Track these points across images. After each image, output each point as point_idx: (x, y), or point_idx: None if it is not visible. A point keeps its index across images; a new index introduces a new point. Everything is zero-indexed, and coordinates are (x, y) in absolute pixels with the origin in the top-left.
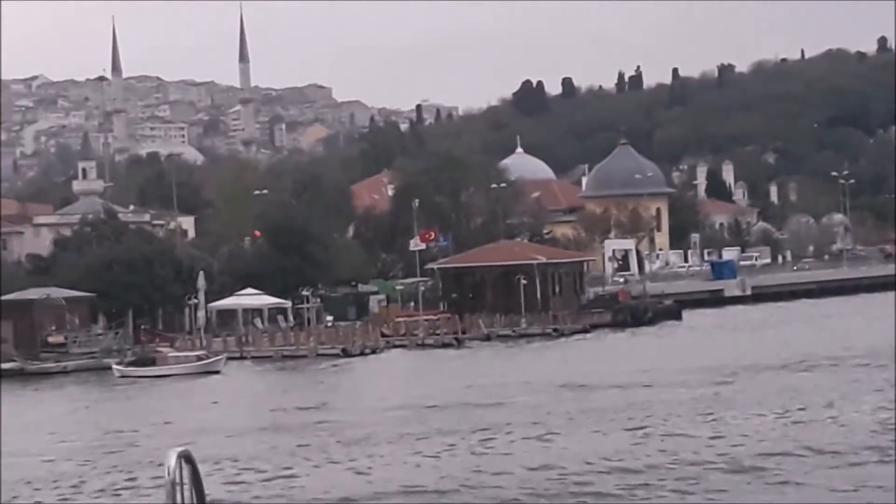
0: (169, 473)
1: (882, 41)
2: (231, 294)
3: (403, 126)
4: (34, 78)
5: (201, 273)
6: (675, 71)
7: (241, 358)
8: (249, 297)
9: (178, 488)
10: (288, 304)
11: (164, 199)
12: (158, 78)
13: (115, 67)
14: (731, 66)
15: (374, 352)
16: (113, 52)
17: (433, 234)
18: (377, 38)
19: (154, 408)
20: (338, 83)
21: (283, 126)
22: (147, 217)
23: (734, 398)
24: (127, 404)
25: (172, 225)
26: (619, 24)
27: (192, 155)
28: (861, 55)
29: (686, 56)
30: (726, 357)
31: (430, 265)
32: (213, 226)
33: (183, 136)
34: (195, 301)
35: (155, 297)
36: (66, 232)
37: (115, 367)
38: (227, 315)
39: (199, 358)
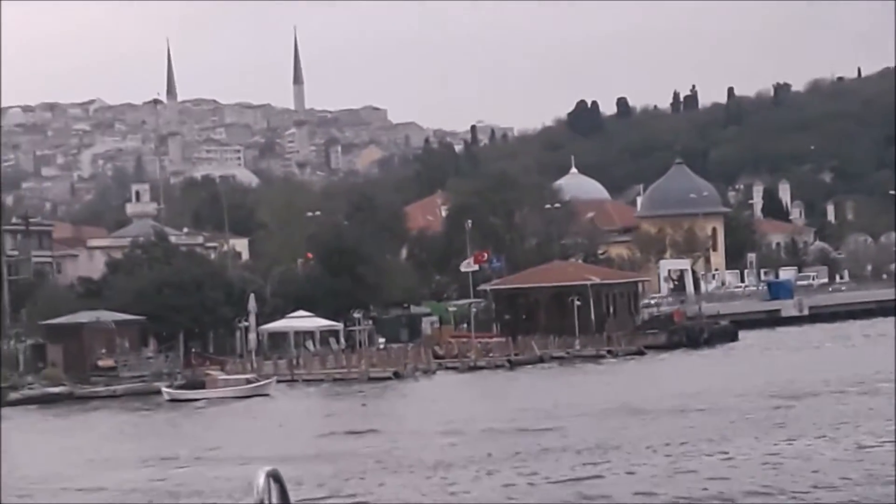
0: (258, 493)
1: None
2: (282, 316)
3: (458, 147)
4: (91, 102)
5: (252, 295)
6: (730, 90)
7: (292, 381)
8: (301, 320)
9: None
10: (340, 326)
11: (217, 221)
12: (215, 101)
13: (170, 90)
14: (787, 85)
15: (425, 374)
16: (168, 75)
17: (486, 255)
18: (432, 59)
19: (198, 432)
20: (393, 105)
21: (339, 148)
22: (200, 240)
23: (794, 422)
24: (171, 428)
25: (226, 248)
26: (674, 43)
27: (247, 177)
28: None
29: (741, 75)
30: (783, 379)
31: (482, 286)
32: (266, 248)
33: (239, 158)
34: (246, 324)
35: (205, 319)
36: (118, 255)
37: (164, 389)
38: (279, 338)
39: (249, 381)
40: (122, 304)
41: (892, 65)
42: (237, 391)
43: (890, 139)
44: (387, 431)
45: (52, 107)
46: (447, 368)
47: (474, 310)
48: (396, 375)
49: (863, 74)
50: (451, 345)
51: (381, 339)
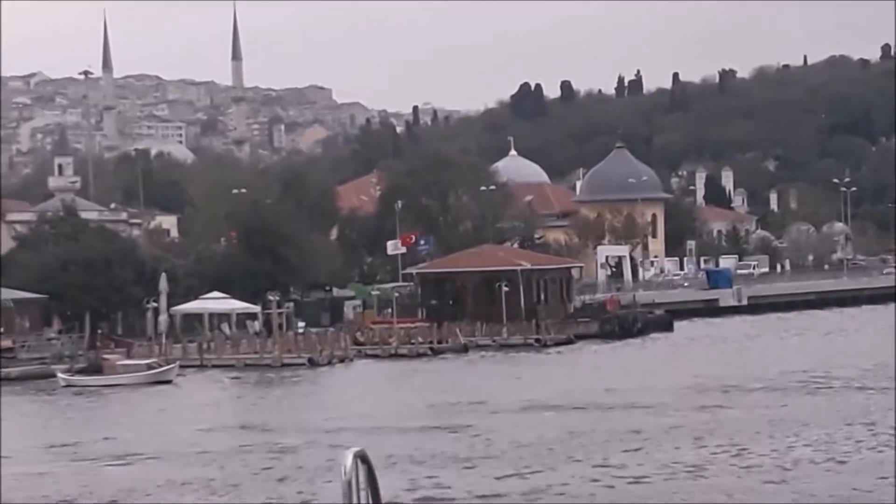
0: (345, 474)
1: (886, 48)
2: (197, 297)
3: (400, 129)
4: (33, 75)
5: (164, 275)
6: (675, 76)
7: (201, 366)
8: (215, 301)
9: (354, 489)
10: (257, 308)
11: (150, 197)
12: (158, 77)
13: (106, 64)
14: (732, 72)
15: (342, 361)
16: (104, 49)
17: (413, 237)
18: (377, 40)
19: (74, 423)
20: (338, 85)
21: (283, 127)
22: (124, 216)
23: (718, 426)
24: (55, 419)
25: (151, 224)
26: (620, 27)
27: (182, 153)
28: (864, 62)
29: (687, 61)
30: (714, 374)
31: (408, 270)
32: (192, 226)
33: (180, 135)
34: (155, 304)
35: (114, 299)
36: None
37: (59, 374)
38: (194, 320)
39: (150, 367)
40: (26, 282)
41: (839, 53)
42: (137, 377)
43: (835, 128)
44: (276, 428)
45: None
46: (367, 355)
47: (396, 294)
48: (311, 362)
49: (809, 62)
50: (372, 330)
51: (301, 324)
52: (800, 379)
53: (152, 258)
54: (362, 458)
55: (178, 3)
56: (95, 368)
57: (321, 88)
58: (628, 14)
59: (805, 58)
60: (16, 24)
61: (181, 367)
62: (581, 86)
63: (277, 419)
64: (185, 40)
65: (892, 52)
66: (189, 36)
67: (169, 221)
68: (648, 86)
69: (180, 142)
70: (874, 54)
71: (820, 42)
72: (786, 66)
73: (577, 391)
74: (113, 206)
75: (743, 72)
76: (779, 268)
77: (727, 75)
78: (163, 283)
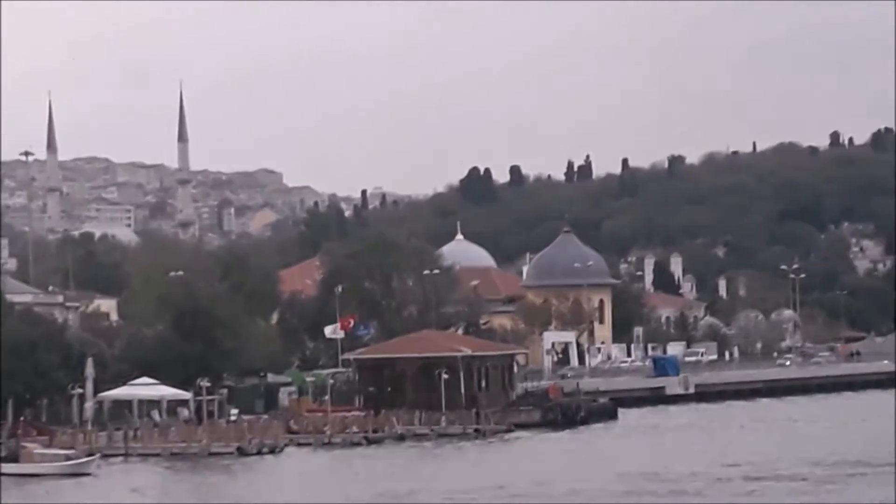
0: None
1: (834, 136)
2: (125, 383)
3: (349, 213)
4: None
5: (90, 360)
6: (624, 161)
7: (126, 455)
8: (144, 388)
9: None
10: (189, 395)
11: (91, 280)
12: (107, 159)
13: (51, 146)
14: (681, 158)
15: (272, 451)
16: (49, 130)
17: (353, 321)
18: (328, 124)
19: None
20: (288, 169)
21: (232, 210)
22: (60, 299)
23: None
24: None
25: (90, 307)
26: (569, 111)
27: (127, 236)
28: (813, 149)
29: (636, 146)
30: (654, 467)
31: (346, 355)
32: (132, 310)
33: (129, 218)
34: (80, 390)
35: (38, 385)
36: None
37: None
38: (123, 406)
39: (69, 457)
40: None
41: (787, 140)
42: (54, 468)
43: (784, 214)
44: None
45: None
46: (299, 444)
47: (331, 381)
48: (240, 451)
49: (758, 149)
50: (305, 419)
51: (234, 411)
52: (742, 473)
53: (80, 342)
54: None
55: (129, 85)
56: (13, 457)
57: (271, 172)
58: (577, 98)
59: (754, 144)
60: None
61: (105, 456)
62: (530, 170)
63: None
64: (136, 123)
65: (841, 140)
66: (139, 119)
67: (108, 305)
68: (598, 171)
69: (128, 225)
70: (823, 141)
71: (769, 129)
72: (734, 153)
73: (482, 489)
74: (51, 288)
75: (692, 157)
76: (727, 355)
77: (676, 161)
78: (89, 369)
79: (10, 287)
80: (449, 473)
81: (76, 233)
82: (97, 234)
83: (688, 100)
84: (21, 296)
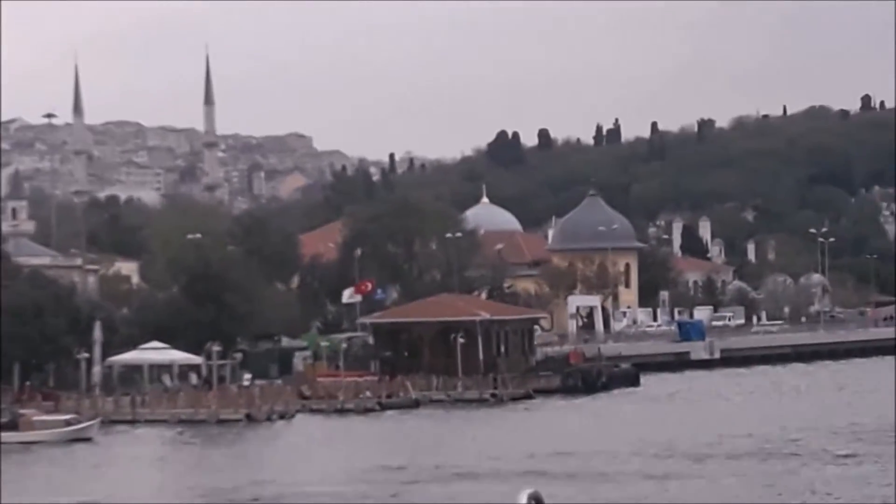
0: None
1: (866, 99)
2: (135, 348)
3: (377, 177)
4: (13, 121)
5: (97, 324)
6: (654, 125)
7: (133, 422)
8: (155, 352)
9: None
10: (200, 360)
11: (115, 243)
12: (138, 123)
13: (77, 109)
14: (711, 122)
15: (283, 418)
16: (75, 94)
17: (370, 285)
18: (359, 88)
19: None
20: (319, 133)
21: (262, 174)
22: (78, 261)
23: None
24: None
25: (111, 271)
26: (598, 76)
27: (153, 199)
28: (844, 113)
29: (666, 110)
30: (673, 438)
31: (362, 319)
32: (152, 273)
33: (159, 182)
34: (87, 355)
35: (45, 349)
36: None
37: None
38: (134, 371)
39: (69, 423)
40: None
41: (818, 104)
42: (53, 434)
43: (814, 179)
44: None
45: None
46: (312, 411)
47: (345, 345)
48: (249, 418)
49: (788, 112)
50: (319, 384)
51: (248, 376)
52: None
53: (90, 306)
54: (537, 499)
55: (159, 48)
56: (13, 425)
57: (301, 136)
58: (607, 63)
59: (784, 108)
60: None
61: (111, 422)
62: (559, 134)
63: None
64: (166, 87)
65: (872, 104)
66: (169, 83)
67: (129, 268)
68: (627, 135)
69: (158, 188)
70: (854, 105)
71: (799, 92)
72: (765, 117)
73: (507, 457)
74: (72, 251)
75: (722, 121)
76: (755, 319)
77: (706, 125)
78: (97, 333)
79: (26, 249)
80: (477, 441)
81: (102, 196)
82: (123, 197)
83: (718, 64)
84: (38, 258)
